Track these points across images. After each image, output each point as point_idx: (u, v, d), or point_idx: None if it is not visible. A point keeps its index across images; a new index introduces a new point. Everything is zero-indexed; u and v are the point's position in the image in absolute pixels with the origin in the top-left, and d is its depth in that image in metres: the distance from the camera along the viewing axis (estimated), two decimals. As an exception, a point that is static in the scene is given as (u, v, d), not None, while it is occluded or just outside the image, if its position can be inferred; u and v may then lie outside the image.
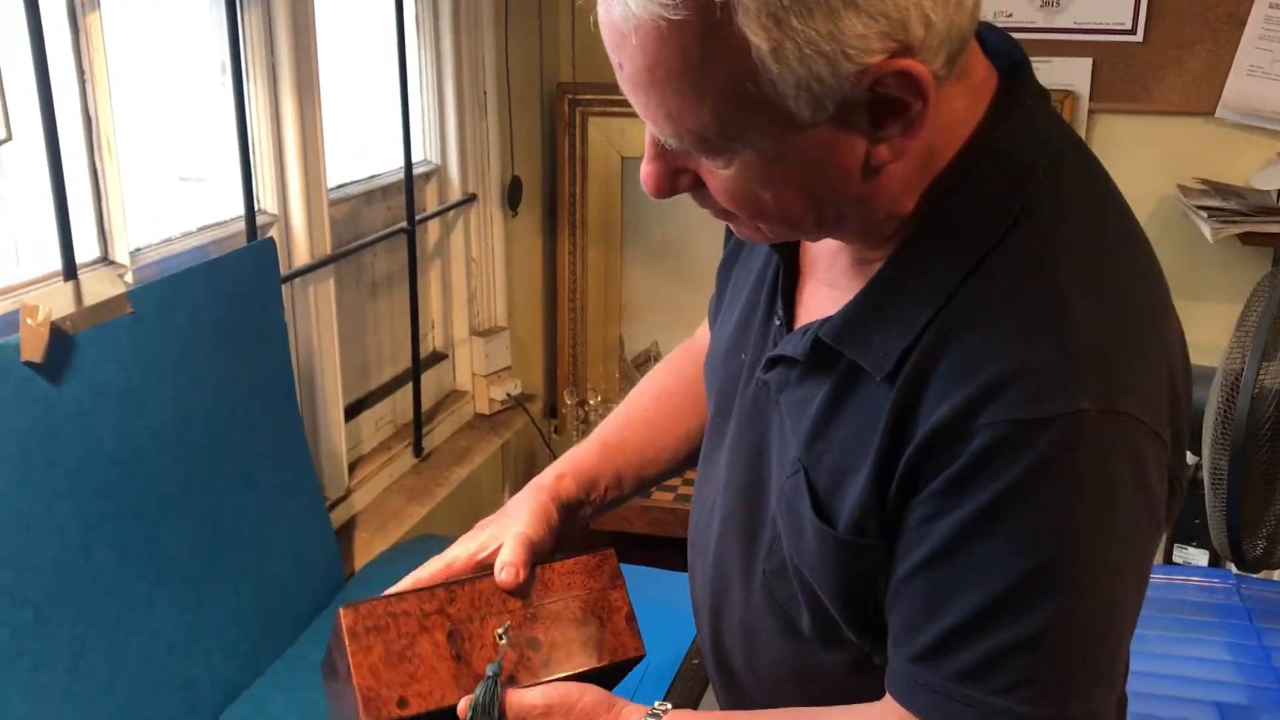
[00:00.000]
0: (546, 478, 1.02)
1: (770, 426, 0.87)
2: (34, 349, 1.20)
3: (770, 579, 0.87)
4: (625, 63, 0.68)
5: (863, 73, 0.66)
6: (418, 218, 2.11)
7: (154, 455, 1.37)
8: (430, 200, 2.28)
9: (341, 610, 0.89)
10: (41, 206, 1.31)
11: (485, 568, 0.94)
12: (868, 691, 0.81)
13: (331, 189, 1.87)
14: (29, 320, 1.19)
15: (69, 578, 1.23)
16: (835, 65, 0.65)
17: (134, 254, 1.49)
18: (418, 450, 2.18)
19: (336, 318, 1.87)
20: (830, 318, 0.79)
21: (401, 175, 2.05)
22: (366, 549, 1.89)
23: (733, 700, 0.99)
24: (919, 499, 0.74)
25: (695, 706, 1.50)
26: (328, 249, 1.83)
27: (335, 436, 1.91)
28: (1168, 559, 2.08)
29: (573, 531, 1.04)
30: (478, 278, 2.40)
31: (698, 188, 0.75)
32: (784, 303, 0.87)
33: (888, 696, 0.80)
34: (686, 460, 1.12)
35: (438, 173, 2.29)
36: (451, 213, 2.31)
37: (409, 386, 2.16)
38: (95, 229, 1.44)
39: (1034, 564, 0.71)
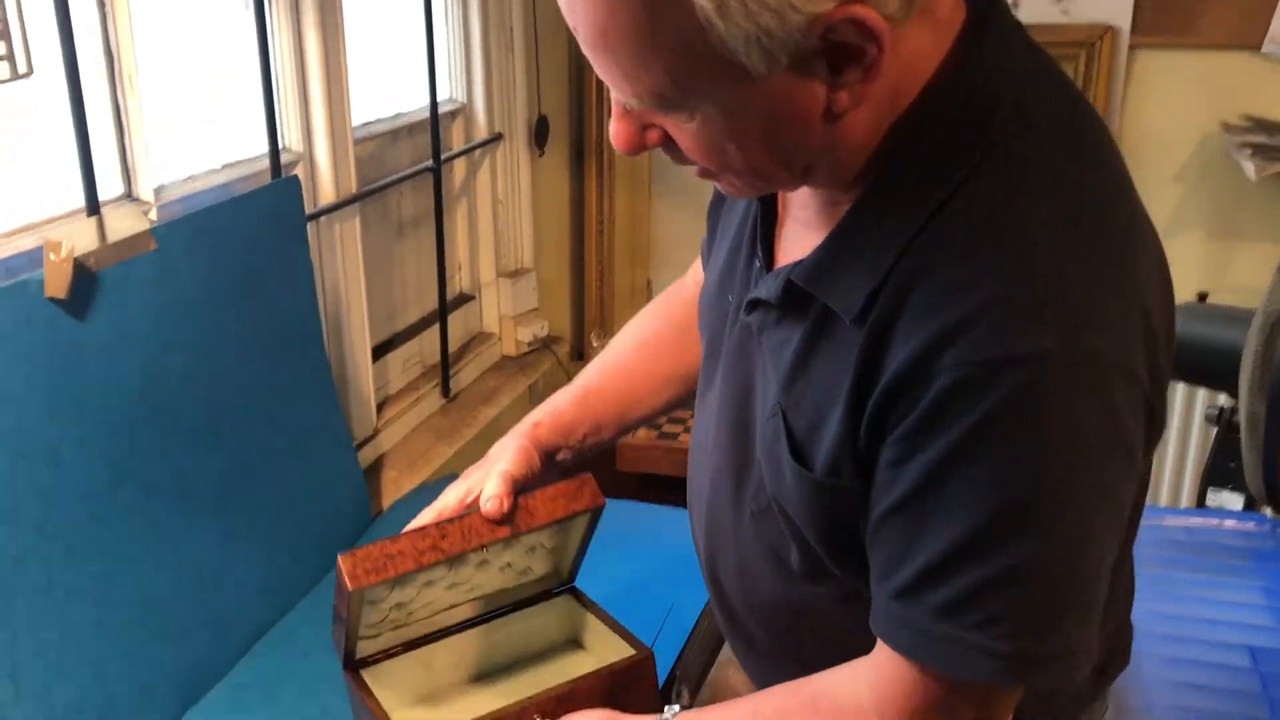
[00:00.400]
0: (524, 425, 1.07)
1: (755, 368, 0.87)
2: (58, 285, 1.20)
3: (758, 520, 0.89)
4: (579, 26, 0.70)
5: (812, 22, 0.65)
6: (444, 157, 2.09)
7: (180, 392, 1.38)
8: (456, 139, 2.26)
9: (340, 557, 0.94)
10: (65, 143, 1.31)
11: (475, 509, 0.99)
12: (859, 622, 0.82)
13: (356, 127, 1.85)
14: (52, 256, 1.19)
15: (98, 512, 1.25)
16: (783, 17, 0.65)
17: (158, 191, 1.48)
18: (445, 391, 2.18)
19: (363, 257, 1.87)
20: (801, 261, 0.80)
21: (427, 114, 2.03)
22: (395, 488, 1.90)
23: (735, 637, 1.01)
24: (888, 442, 0.75)
25: (714, 653, 1.51)
26: (353, 187, 1.82)
27: (363, 376, 1.91)
28: (1200, 502, 2.05)
29: (555, 474, 1.08)
30: (504, 218, 2.39)
31: (669, 143, 0.76)
32: (763, 244, 0.88)
33: (878, 642, 0.81)
34: (671, 404, 1.15)
35: (464, 111, 2.27)
36: (478, 152, 2.29)
37: (436, 327, 2.16)
38: (119, 165, 1.44)
39: (1002, 503, 0.71)
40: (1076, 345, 0.70)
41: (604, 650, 1.19)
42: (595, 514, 1.09)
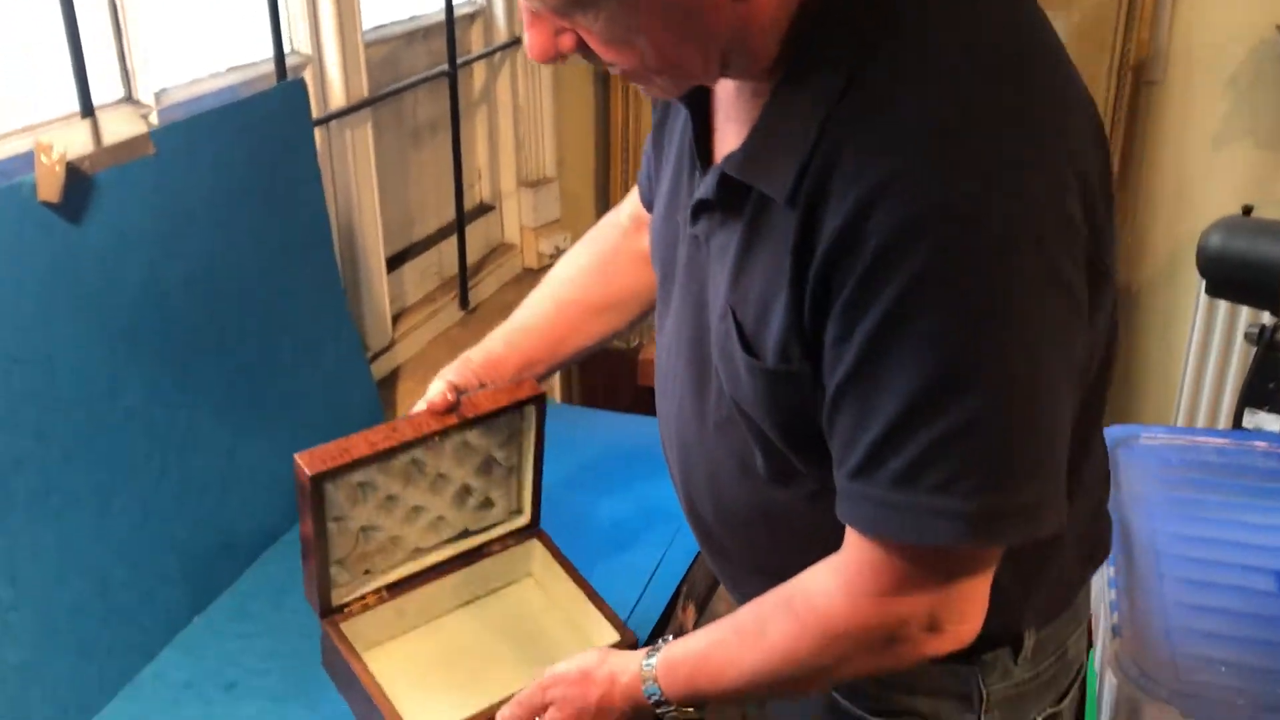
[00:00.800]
0: (457, 362, 1.15)
1: (707, 280, 0.88)
2: (50, 189, 1.17)
3: (722, 429, 0.91)
4: None
5: None
6: (461, 61, 2.03)
7: (182, 300, 1.36)
8: (475, 44, 2.20)
9: (296, 455, 1.02)
10: (61, 45, 1.27)
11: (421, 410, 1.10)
12: (827, 524, 0.83)
13: (368, 30, 1.80)
14: (43, 159, 1.16)
15: (97, 418, 1.24)
16: None
17: (158, 95, 1.45)
18: (464, 303, 2.15)
19: (376, 165, 1.83)
20: (732, 152, 0.81)
21: (443, 16, 1.97)
22: (410, 399, 1.87)
23: (712, 553, 1.04)
24: (830, 318, 0.75)
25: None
26: (364, 92, 1.77)
27: (378, 287, 1.89)
28: (1237, 424, 1.99)
29: None
30: (525, 126, 2.33)
31: (584, 48, 0.77)
32: (700, 150, 0.89)
33: (845, 535, 0.82)
34: (607, 334, 1.21)
35: (483, 14, 2.20)
36: (497, 56, 2.23)
37: (455, 238, 2.12)
38: (118, 67, 1.40)
39: (944, 359, 0.72)
40: (1003, 192, 0.70)
41: (564, 600, 1.23)
42: (539, 410, 1.17)
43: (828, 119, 0.74)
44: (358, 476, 1.09)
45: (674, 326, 0.96)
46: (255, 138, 1.47)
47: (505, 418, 1.17)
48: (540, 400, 1.18)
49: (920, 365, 0.72)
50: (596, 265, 1.22)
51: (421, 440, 1.10)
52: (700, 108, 0.89)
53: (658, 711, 0.96)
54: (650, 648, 0.97)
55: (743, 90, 0.84)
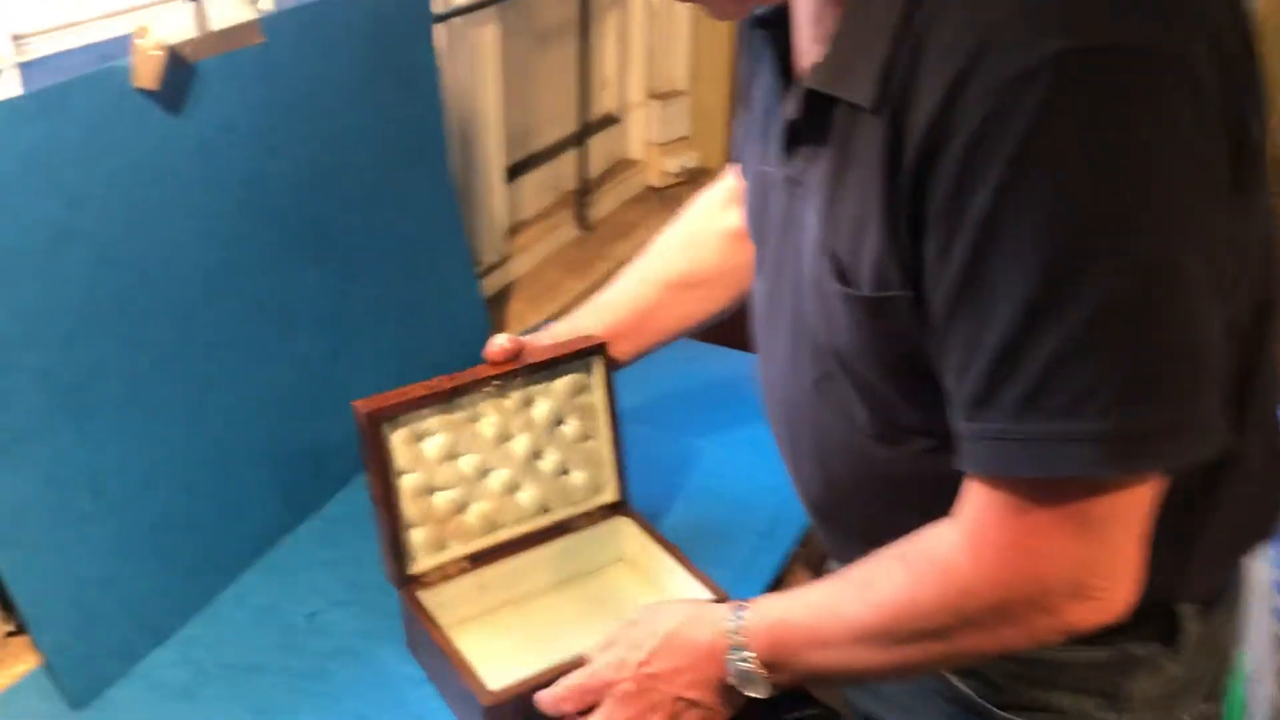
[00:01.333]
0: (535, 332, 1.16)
1: (804, 228, 0.82)
2: (147, 75, 1.09)
3: (822, 385, 0.84)
4: None
5: None
6: (594, -40, 1.89)
7: (285, 201, 1.27)
8: (611, -58, 2.06)
9: (354, 402, 1.05)
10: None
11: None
12: (944, 486, 0.75)
13: (497, -80, 1.68)
14: (140, 42, 1.07)
15: (189, 325, 1.17)
16: None
17: (272, -20, 1.35)
18: (581, 220, 2.04)
19: (499, 68, 1.71)
20: (814, 64, 0.75)
21: (578, -91, 1.83)
22: (519, 319, 1.80)
23: (821, 524, 0.98)
24: (928, 228, 0.68)
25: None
26: (489, -12, 1.65)
27: (495, 198, 1.79)
28: None
29: None
30: (659, 33, 2.18)
31: None
32: (784, 82, 0.83)
33: (964, 485, 0.74)
34: (703, 318, 1.21)
35: (621, -90, 2.05)
36: (633, -43, 2.08)
37: (576, 151, 2.01)
38: (231, -52, 1.31)
39: (1055, 253, 0.63)
40: (1113, 39, 0.61)
41: (664, 582, 1.15)
42: (604, 361, 1.15)
43: (910, 8, 0.67)
44: (417, 423, 1.08)
45: (769, 287, 0.90)
46: (372, 32, 1.36)
47: (568, 372, 1.15)
48: (603, 350, 1.16)
49: (1025, 270, 0.63)
50: (684, 241, 1.21)
51: (479, 384, 1.10)
52: (781, 39, 0.84)
53: (740, 673, 0.86)
54: (737, 603, 0.88)
55: (819, 4, 0.77)
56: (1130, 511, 0.70)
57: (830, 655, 0.83)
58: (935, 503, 0.77)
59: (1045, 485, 0.69)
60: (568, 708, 0.95)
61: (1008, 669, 0.88)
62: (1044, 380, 0.65)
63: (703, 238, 1.20)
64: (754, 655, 0.85)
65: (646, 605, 0.97)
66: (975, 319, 0.67)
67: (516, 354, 1.11)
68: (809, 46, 0.80)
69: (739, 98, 0.99)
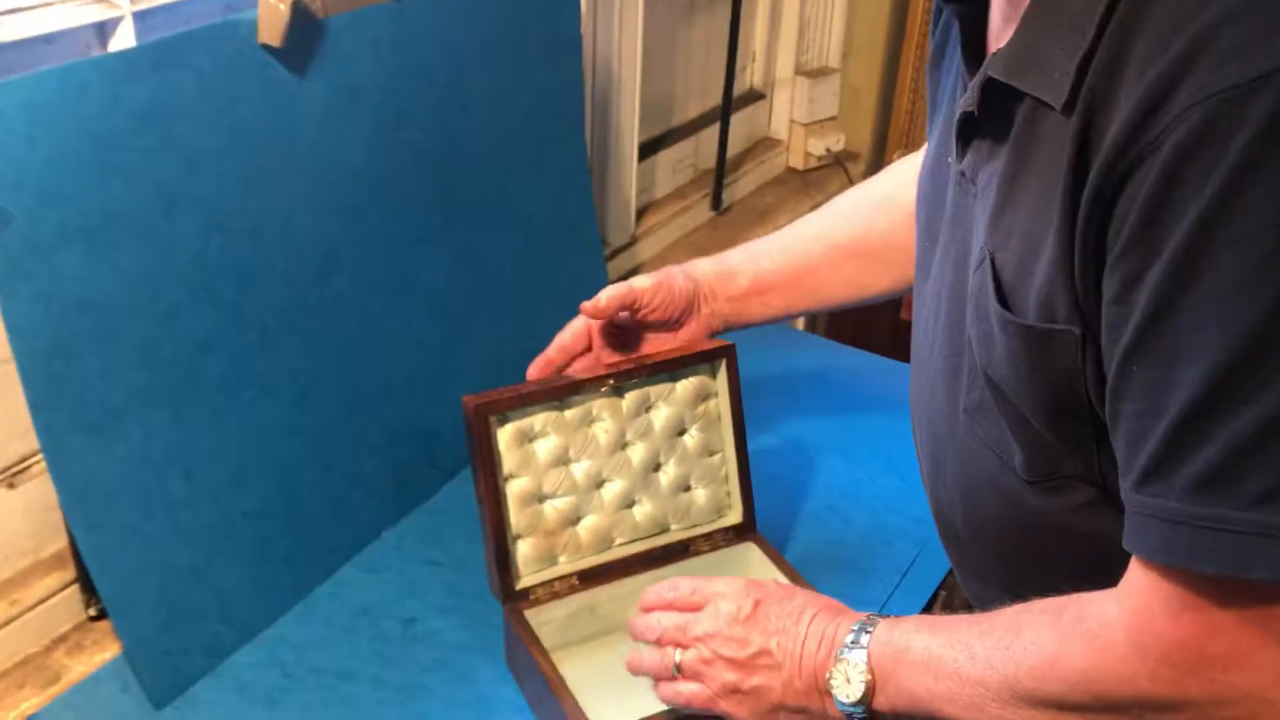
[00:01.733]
0: (670, 268, 1.08)
1: (971, 234, 0.73)
2: (272, 30, 1.00)
3: (975, 416, 0.75)
4: None
5: None
6: (752, -76, 1.76)
7: (411, 173, 1.18)
8: (769, -94, 1.92)
9: (464, 398, 0.98)
10: None
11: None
12: (1105, 544, 0.65)
13: (653, -123, 1.56)
14: (268, -7, 0.99)
15: (302, 300, 1.09)
16: None
17: (412, -69, 1.25)
18: (716, 202, 1.92)
19: (643, 38, 1.60)
20: (998, 51, 0.67)
21: None
22: (645, 306, 1.69)
23: (962, 567, 0.88)
24: (1110, 260, 0.58)
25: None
26: (640, -49, 1.54)
27: (626, 175, 1.68)
28: None
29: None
30: (813, 7, 2.04)
31: None
32: (970, 64, 0.73)
33: (1129, 565, 0.63)
34: (865, 293, 1.10)
35: (783, -128, 1.91)
36: (793, -77, 1.94)
37: (715, 129, 1.88)
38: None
39: (1273, 297, 0.52)
40: None
41: None
42: (730, 367, 1.06)
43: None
44: (527, 420, 1.00)
45: (933, 290, 0.81)
46: (513, -7, 1.26)
47: (692, 374, 1.06)
48: (731, 354, 1.06)
49: (1233, 317, 0.52)
50: (864, 206, 1.09)
51: (595, 382, 1.02)
52: (972, 14, 0.74)
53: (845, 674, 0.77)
54: (862, 619, 0.79)
55: None
56: None
57: (944, 688, 0.73)
58: (1094, 563, 0.68)
59: (1231, 583, 0.58)
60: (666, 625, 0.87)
61: None
62: (1237, 456, 0.54)
63: (885, 207, 1.07)
64: (866, 658, 0.76)
65: (779, 584, 0.88)
66: (1156, 371, 0.57)
67: (630, 304, 1.04)
68: (1002, 28, 0.70)
69: (929, 60, 0.89)
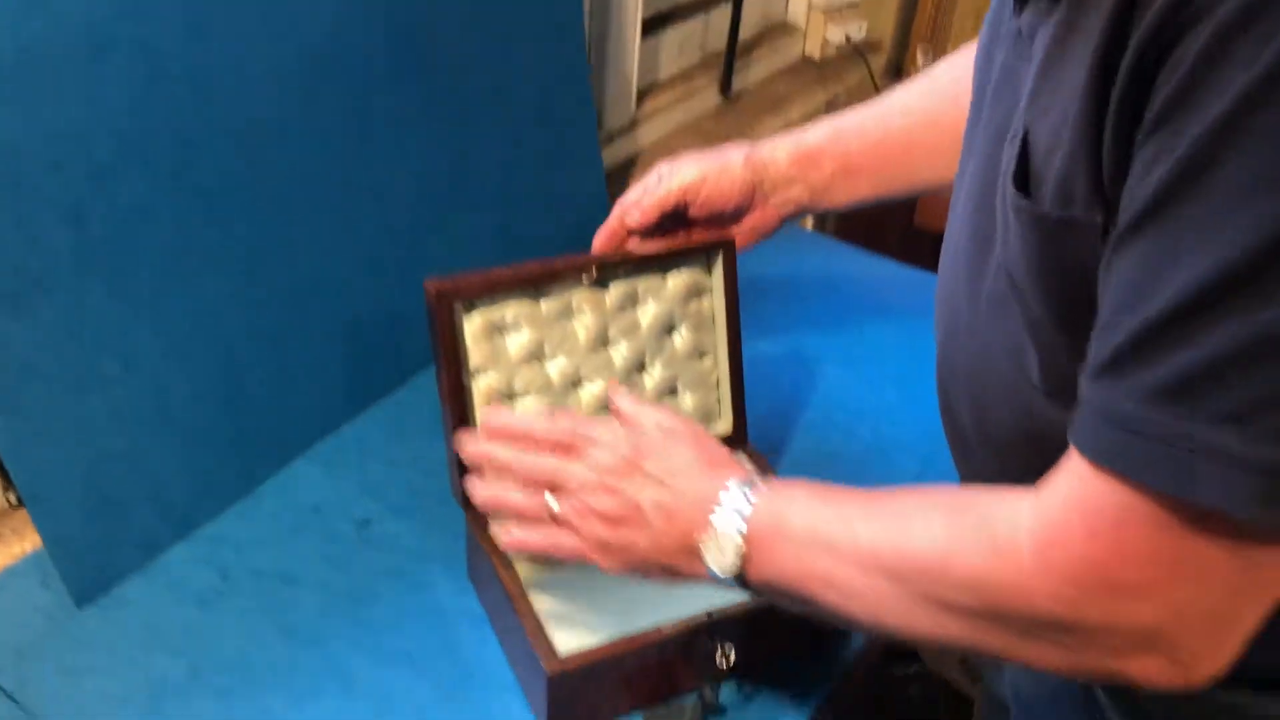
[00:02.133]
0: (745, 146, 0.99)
1: (1019, 98, 0.64)
2: None
3: (995, 308, 0.68)
4: None
5: None
6: None
7: (385, 27, 1.07)
8: None
9: (425, 282, 0.88)
10: None
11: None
12: None
13: None
14: None
15: (259, 163, 0.98)
16: None
17: None
18: (725, 88, 1.80)
19: (652, -102, 1.47)
20: None
21: None
22: (642, 195, 1.58)
23: (967, 472, 0.81)
24: (1140, 139, 0.52)
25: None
26: None
27: (627, 53, 1.56)
28: None
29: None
30: (840, -121, 1.89)
31: None
32: None
33: (1063, 461, 0.58)
34: (929, 188, 1.01)
35: None
36: None
37: (728, 7, 1.75)
38: None
39: None
40: None
41: None
42: (728, 261, 0.97)
43: None
44: (497, 311, 0.91)
45: (973, 167, 0.73)
46: None
47: (684, 267, 0.97)
48: (729, 248, 0.97)
49: (1246, 217, 0.47)
50: (958, 81, 0.95)
51: (573, 272, 0.93)
52: None
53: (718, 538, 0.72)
54: (743, 478, 0.74)
55: None
56: (1266, 569, 0.54)
57: (821, 567, 0.68)
58: None
59: (1167, 501, 0.53)
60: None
61: (1175, 708, 0.70)
62: (1216, 370, 0.49)
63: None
64: (743, 528, 0.71)
65: (661, 430, 0.80)
66: (1154, 257, 0.51)
67: (676, 205, 0.96)
68: None
69: None
